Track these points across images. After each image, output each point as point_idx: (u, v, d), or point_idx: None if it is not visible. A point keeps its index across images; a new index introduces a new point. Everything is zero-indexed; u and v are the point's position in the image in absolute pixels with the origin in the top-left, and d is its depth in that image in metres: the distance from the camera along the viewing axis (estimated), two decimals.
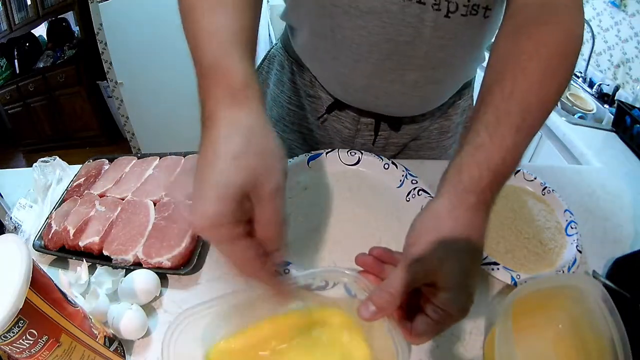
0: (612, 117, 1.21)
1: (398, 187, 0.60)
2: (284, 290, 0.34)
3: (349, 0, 0.47)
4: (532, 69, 0.36)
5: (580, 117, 1.29)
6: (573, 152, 1.10)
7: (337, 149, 0.63)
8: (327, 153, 0.63)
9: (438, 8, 0.46)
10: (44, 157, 0.64)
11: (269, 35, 2.10)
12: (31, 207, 0.59)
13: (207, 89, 0.32)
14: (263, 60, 0.72)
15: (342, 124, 0.66)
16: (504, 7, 0.45)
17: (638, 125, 1.07)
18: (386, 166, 0.62)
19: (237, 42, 0.34)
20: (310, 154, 0.63)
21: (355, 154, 0.63)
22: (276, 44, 0.70)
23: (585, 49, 1.56)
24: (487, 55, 0.59)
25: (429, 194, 0.57)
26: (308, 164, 0.62)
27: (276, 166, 0.31)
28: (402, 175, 0.60)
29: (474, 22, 0.48)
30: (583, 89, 1.49)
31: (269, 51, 0.71)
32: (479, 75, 0.70)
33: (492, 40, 0.46)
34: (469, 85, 0.68)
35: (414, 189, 0.58)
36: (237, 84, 0.32)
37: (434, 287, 0.32)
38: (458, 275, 0.32)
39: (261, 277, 0.32)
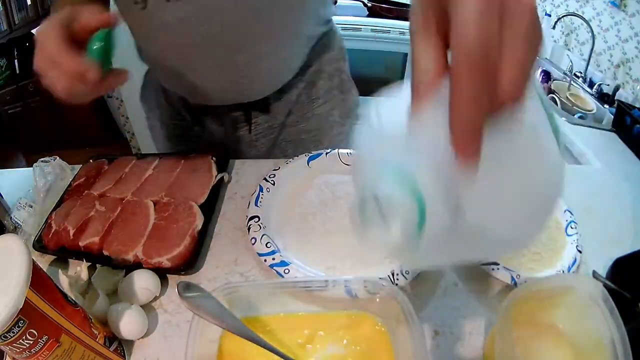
0: (612, 117, 1.21)
1: None
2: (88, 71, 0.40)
3: (161, 19, 0.52)
4: None
5: (580, 117, 1.29)
6: (573, 152, 1.10)
7: (337, 149, 0.63)
8: (326, 153, 0.63)
9: None
10: (44, 157, 0.64)
11: None
12: (31, 207, 0.59)
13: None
14: (142, 89, 0.77)
15: (216, 123, 0.68)
16: None
17: (638, 125, 1.07)
18: None
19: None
20: (310, 154, 0.63)
21: None
22: (146, 71, 0.75)
23: (585, 49, 1.55)
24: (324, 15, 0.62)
25: None
26: (308, 164, 0.62)
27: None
28: None
29: None
30: (583, 89, 1.49)
31: (143, 79, 0.76)
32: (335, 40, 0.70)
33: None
34: (326, 50, 0.68)
35: None
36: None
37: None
38: None
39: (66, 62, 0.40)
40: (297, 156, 0.62)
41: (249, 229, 0.51)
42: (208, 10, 0.51)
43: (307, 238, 0.52)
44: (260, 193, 0.56)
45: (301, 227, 0.54)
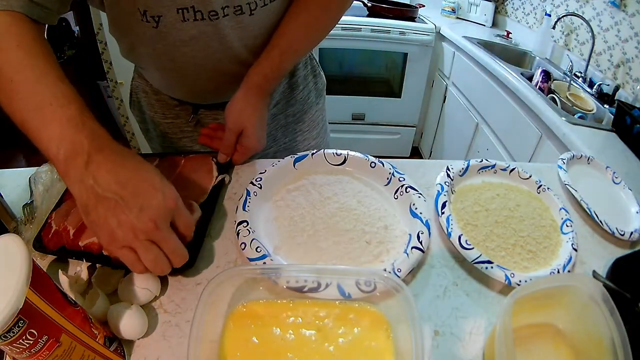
0: (612, 117, 1.21)
1: (385, 185, 0.60)
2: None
3: (175, 36, 0.56)
4: (301, 18, 0.62)
5: (580, 117, 1.29)
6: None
7: (322, 150, 0.64)
8: (312, 154, 0.63)
9: (240, 12, 0.56)
10: (44, 157, 0.64)
11: None
12: (31, 207, 0.59)
13: (76, 139, 0.38)
14: (131, 94, 0.81)
15: (210, 117, 0.74)
16: None
17: (638, 125, 1.07)
18: (372, 165, 0.62)
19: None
20: (295, 156, 0.63)
21: (341, 154, 0.63)
22: (133, 76, 0.78)
23: (585, 49, 1.55)
24: None
25: (417, 190, 0.57)
26: (294, 166, 0.62)
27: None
28: (389, 173, 0.60)
29: (276, 6, 0.60)
30: (583, 89, 1.48)
31: (131, 84, 0.80)
32: None
33: None
34: None
35: (402, 186, 0.58)
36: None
37: (242, 138, 0.62)
38: (256, 128, 0.62)
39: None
40: (284, 158, 0.63)
41: (238, 234, 0.51)
42: (222, 28, 0.57)
43: (297, 240, 0.52)
44: (248, 197, 0.55)
45: (290, 229, 0.54)
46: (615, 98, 1.37)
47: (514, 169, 0.65)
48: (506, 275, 0.48)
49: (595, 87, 1.47)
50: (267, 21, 0.61)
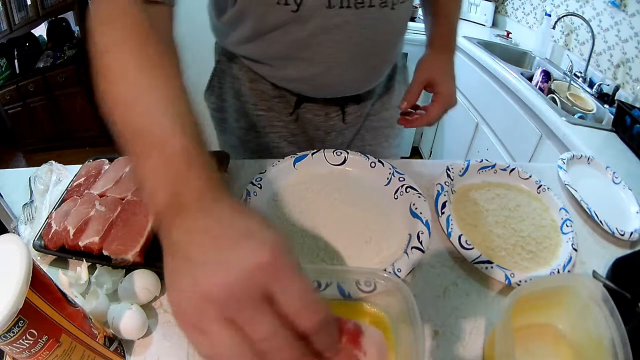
0: (612, 117, 1.21)
1: (385, 185, 0.60)
2: None
3: (316, 23, 0.54)
4: None
5: (580, 117, 1.29)
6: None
7: (322, 150, 0.64)
8: (312, 154, 0.63)
9: (385, 4, 0.56)
10: (44, 157, 0.64)
11: None
12: (31, 207, 0.59)
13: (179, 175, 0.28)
14: (211, 79, 0.74)
15: (312, 113, 0.70)
16: None
17: (638, 125, 1.07)
18: (372, 165, 0.62)
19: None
20: (296, 156, 0.63)
21: (341, 153, 0.63)
22: (219, 59, 0.71)
23: (585, 49, 1.55)
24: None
25: (417, 190, 0.57)
26: (294, 166, 0.62)
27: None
28: (389, 173, 0.61)
29: (409, 5, 0.61)
30: (583, 89, 1.48)
31: (215, 68, 0.73)
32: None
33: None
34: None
35: (402, 186, 0.58)
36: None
37: (436, 87, 0.64)
38: (448, 77, 0.65)
39: None
40: (278, 153, 0.62)
41: None
42: (364, 19, 0.55)
43: (297, 240, 0.52)
44: (248, 197, 0.55)
45: (291, 228, 0.54)
46: (615, 98, 1.37)
47: (514, 169, 0.65)
48: (506, 275, 0.48)
49: (595, 87, 1.47)
50: (403, 18, 0.63)
